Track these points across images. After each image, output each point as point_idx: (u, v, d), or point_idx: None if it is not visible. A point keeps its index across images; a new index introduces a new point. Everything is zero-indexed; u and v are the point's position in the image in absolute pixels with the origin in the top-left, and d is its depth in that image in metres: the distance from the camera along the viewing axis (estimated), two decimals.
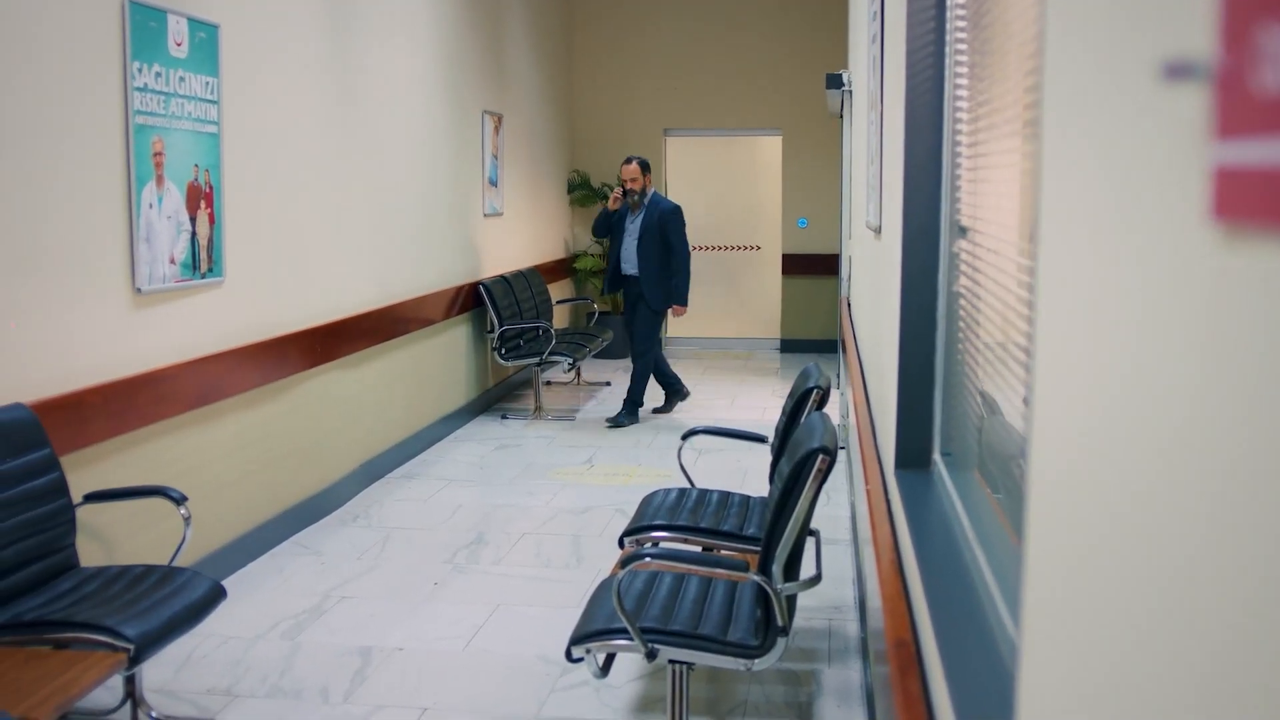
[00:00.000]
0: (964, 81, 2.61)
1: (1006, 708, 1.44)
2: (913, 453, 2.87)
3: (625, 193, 8.60)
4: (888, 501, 2.95)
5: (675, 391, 8.98)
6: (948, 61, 2.75)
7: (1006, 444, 2.03)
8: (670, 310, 8.75)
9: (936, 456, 2.81)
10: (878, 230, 4.16)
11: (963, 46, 2.63)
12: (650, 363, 8.75)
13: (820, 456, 3.19)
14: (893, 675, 1.96)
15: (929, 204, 2.81)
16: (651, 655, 3.25)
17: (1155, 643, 0.77)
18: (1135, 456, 0.83)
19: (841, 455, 6.43)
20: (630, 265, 8.71)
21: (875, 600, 3.08)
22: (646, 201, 8.61)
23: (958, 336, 2.66)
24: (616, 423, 8.50)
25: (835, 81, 8.52)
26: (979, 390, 2.32)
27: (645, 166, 8.58)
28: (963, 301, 2.59)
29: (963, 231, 2.64)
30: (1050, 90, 1.13)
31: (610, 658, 3.46)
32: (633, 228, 8.65)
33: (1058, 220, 1.10)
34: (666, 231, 8.54)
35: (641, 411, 8.77)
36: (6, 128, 3.73)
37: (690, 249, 8.77)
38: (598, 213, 9.05)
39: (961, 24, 2.62)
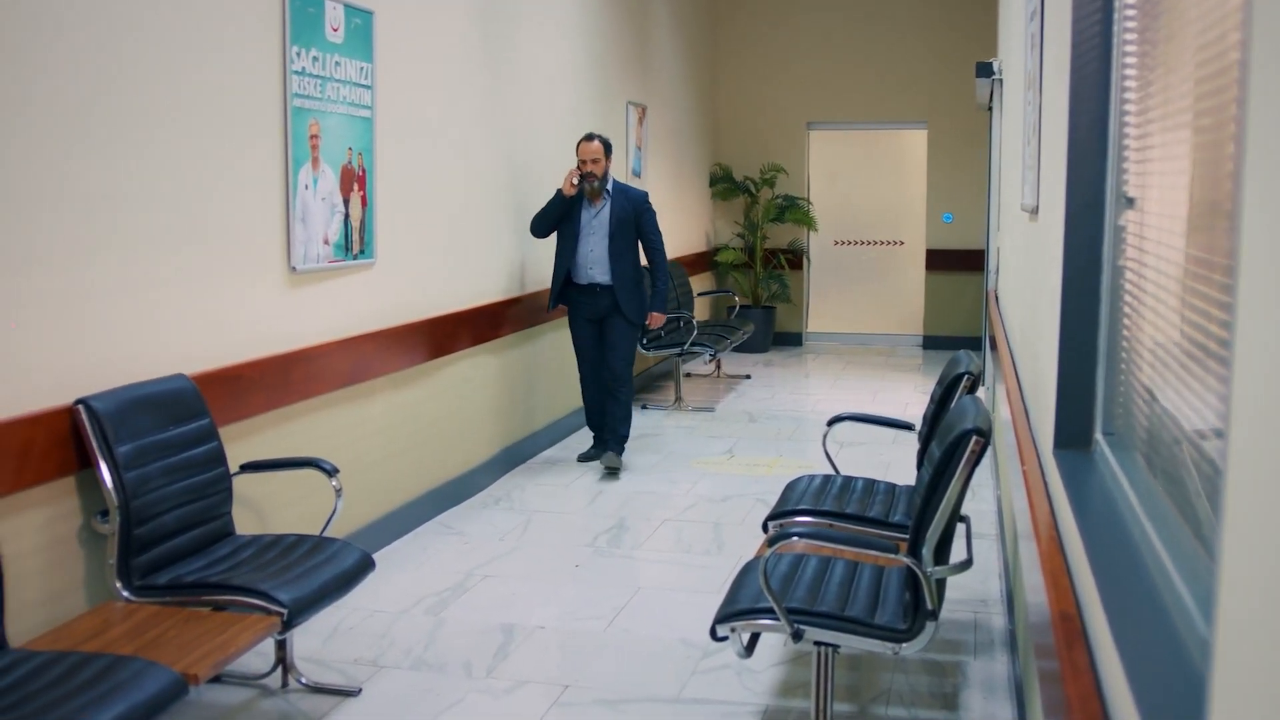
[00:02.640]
0: (1132, 47, 2.50)
1: (1193, 690, 1.36)
2: (1073, 432, 2.76)
3: (584, 177, 6.68)
4: (1045, 481, 2.85)
5: (604, 441, 7.02)
6: (1115, 27, 2.65)
7: (1173, 425, 1.93)
8: (649, 319, 7.09)
9: (1098, 436, 2.70)
10: (1034, 211, 4.03)
11: (1131, 10, 2.52)
12: (633, 392, 7.28)
13: (974, 438, 3.10)
14: (1058, 648, 1.88)
15: (1094, 175, 2.70)
16: (797, 636, 3.20)
17: None
18: None
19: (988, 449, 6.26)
20: (599, 271, 6.79)
21: (1028, 592, 2.98)
22: (609, 190, 6.83)
23: (1122, 311, 2.55)
24: (611, 468, 6.83)
25: (985, 70, 8.32)
26: (1146, 366, 2.22)
27: (608, 147, 6.77)
28: (1129, 275, 2.49)
29: (1130, 202, 2.53)
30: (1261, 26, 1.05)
31: (754, 638, 3.42)
32: (594, 223, 6.77)
33: (1267, 190, 0.99)
34: (642, 226, 6.87)
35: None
36: (174, 108, 3.85)
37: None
38: (548, 202, 6.80)
39: None
